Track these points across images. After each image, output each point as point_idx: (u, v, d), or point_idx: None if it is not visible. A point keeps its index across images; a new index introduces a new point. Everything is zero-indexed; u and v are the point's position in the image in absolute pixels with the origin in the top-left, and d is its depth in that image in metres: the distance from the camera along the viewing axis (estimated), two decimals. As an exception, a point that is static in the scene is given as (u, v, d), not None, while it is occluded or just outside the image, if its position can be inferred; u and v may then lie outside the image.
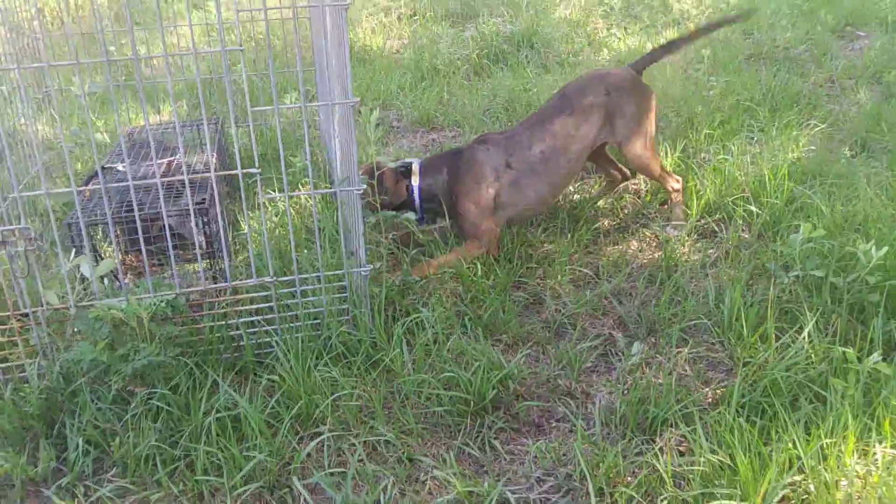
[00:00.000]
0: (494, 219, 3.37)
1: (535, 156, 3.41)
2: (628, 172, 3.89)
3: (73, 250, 3.01)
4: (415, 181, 3.44)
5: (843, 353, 2.39)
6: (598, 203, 3.86)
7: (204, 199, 3.14)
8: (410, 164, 3.48)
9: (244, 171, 2.59)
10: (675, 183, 3.64)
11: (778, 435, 2.21)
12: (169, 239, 2.63)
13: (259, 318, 2.78)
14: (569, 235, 3.52)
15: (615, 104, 3.45)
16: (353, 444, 2.37)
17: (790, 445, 2.13)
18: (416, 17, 7.56)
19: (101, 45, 2.64)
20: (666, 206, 3.74)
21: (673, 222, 3.60)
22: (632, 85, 3.52)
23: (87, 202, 3.30)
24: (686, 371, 2.64)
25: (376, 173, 3.34)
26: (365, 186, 2.77)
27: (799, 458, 2.10)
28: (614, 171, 3.88)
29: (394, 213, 3.33)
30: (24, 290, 2.56)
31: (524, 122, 3.59)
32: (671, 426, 2.34)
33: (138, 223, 2.59)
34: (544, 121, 3.46)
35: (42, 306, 2.58)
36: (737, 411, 2.31)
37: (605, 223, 3.66)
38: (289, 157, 4.31)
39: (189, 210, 3.11)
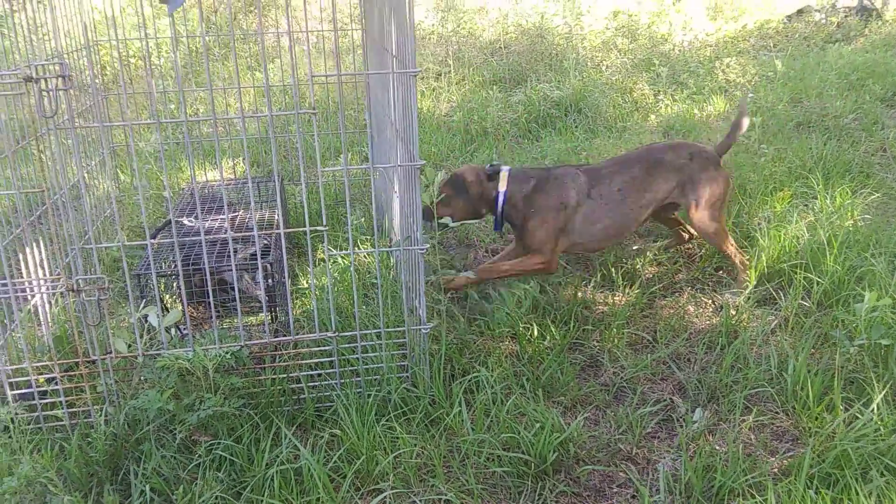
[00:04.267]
0: (560, 241, 3.51)
1: (613, 192, 3.55)
2: (693, 234, 3.98)
3: (142, 301, 3.08)
4: (502, 187, 3.51)
5: (916, 425, 2.34)
6: (658, 257, 3.90)
7: (265, 254, 3.21)
8: (500, 168, 3.56)
9: (312, 228, 2.66)
10: (742, 258, 3.72)
11: (850, 507, 2.16)
12: (237, 292, 2.68)
13: (319, 372, 2.81)
14: (624, 298, 3.52)
15: (692, 170, 3.60)
16: (415, 503, 2.36)
17: (864, 519, 2.08)
18: (464, 82, 7.72)
19: (181, 104, 2.74)
20: (725, 272, 3.75)
21: (732, 289, 3.63)
22: (712, 161, 3.65)
23: (146, 254, 3.39)
24: (750, 439, 2.60)
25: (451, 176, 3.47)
26: (427, 246, 2.81)
27: (874, 532, 2.05)
28: (681, 230, 4.01)
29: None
30: (95, 337, 2.62)
31: (606, 162, 3.75)
32: (739, 496, 2.30)
33: (207, 276, 2.65)
34: (627, 163, 3.64)
35: (110, 354, 2.64)
36: (807, 482, 2.27)
37: (661, 287, 3.65)
38: (346, 216, 4.40)
39: (249, 265, 3.19)
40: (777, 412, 2.74)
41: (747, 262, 3.70)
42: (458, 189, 3.54)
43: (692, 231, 3.94)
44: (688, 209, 3.62)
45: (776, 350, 3.00)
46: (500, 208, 3.53)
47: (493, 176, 3.53)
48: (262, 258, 3.15)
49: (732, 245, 3.69)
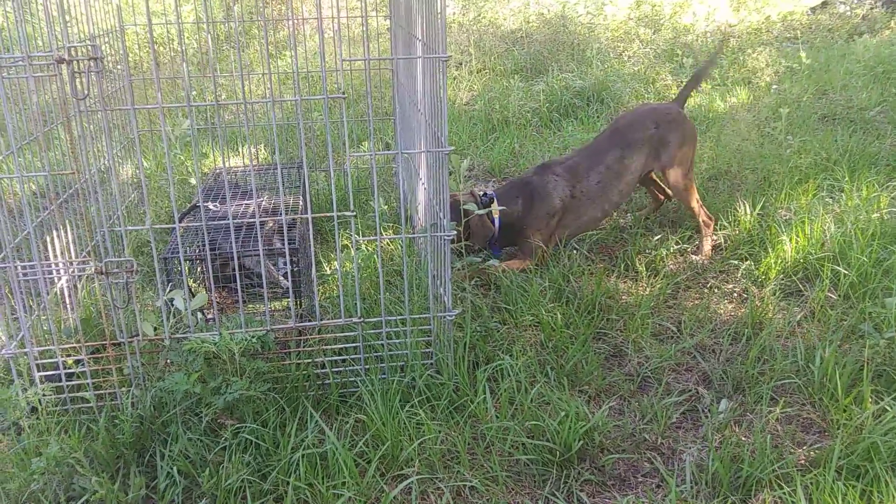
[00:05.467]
0: (550, 241, 3.79)
1: (593, 186, 3.81)
2: (671, 193, 4.16)
3: (168, 284, 3.10)
4: (495, 213, 3.69)
5: (947, 419, 2.32)
6: (671, 249, 3.91)
7: (291, 239, 3.22)
8: (492, 195, 3.73)
9: (339, 213, 2.65)
10: (707, 219, 3.95)
11: (880, 499, 2.14)
12: (265, 277, 2.69)
13: (344, 357, 2.82)
14: (648, 289, 3.50)
15: (661, 135, 3.85)
16: (440, 489, 2.36)
17: (894, 512, 2.06)
18: (486, 71, 7.69)
19: (214, 87, 2.74)
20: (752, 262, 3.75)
21: (701, 252, 3.88)
22: (677, 118, 3.91)
23: (173, 238, 3.41)
24: (777, 431, 2.58)
25: (464, 219, 3.46)
26: (454, 232, 2.81)
27: (904, 525, 2.03)
28: (658, 192, 4.31)
29: (480, 259, 3.41)
30: (122, 320, 2.64)
31: (581, 151, 3.99)
32: (766, 486, 2.28)
33: (235, 261, 2.66)
34: (601, 153, 3.86)
35: (137, 336, 2.65)
36: (836, 472, 2.25)
37: (685, 278, 3.63)
38: (368, 203, 4.40)
39: (275, 250, 3.19)
40: (804, 404, 2.71)
41: (710, 222, 3.91)
42: (466, 228, 3.65)
43: (668, 191, 4.18)
44: (663, 171, 3.92)
45: (803, 342, 2.98)
46: (497, 233, 3.74)
47: (489, 203, 3.71)
48: (286, 237, 3.16)
49: (697, 201, 3.92)
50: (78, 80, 2.33)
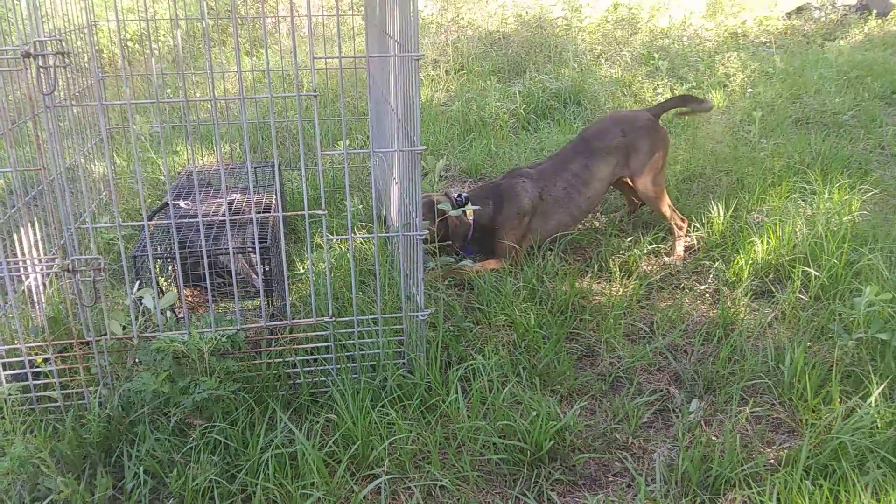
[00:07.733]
0: (523, 242, 3.81)
1: (560, 190, 3.86)
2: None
3: (136, 283, 3.06)
4: (470, 215, 3.72)
5: (912, 419, 2.34)
6: (644, 250, 3.92)
7: (262, 238, 3.19)
8: (466, 197, 3.76)
9: (310, 212, 2.63)
10: (680, 221, 3.97)
11: (847, 498, 2.16)
12: (235, 276, 2.66)
13: (315, 357, 2.80)
14: (621, 290, 3.52)
15: (629, 143, 3.89)
16: (410, 489, 2.35)
17: (860, 511, 2.08)
18: (463, 72, 7.69)
19: (182, 85, 2.71)
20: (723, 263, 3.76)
21: (674, 254, 3.90)
22: (647, 126, 3.93)
23: (142, 236, 3.37)
24: (747, 430, 2.59)
25: (437, 219, 3.46)
26: (427, 232, 2.80)
27: (870, 524, 2.05)
28: (633, 196, 4.28)
29: (453, 259, 3.41)
30: (90, 318, 2.60)
31: (550, 158, 4.05)
32: (735, 486, 2.29)
33: (203, 259, 2.63)
34: (567, 160, 3.92)
35: (105, 335, 2.61)
36: (803, 473, 2.27)
37: (658, 279, 3.64)
38: (343, 202, 4.38)
39: (244, 248, 3.17)
40: (774, 404, 2.73)
41: (683, 225, 3.94)
42: (441, 226, 3.70)
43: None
44: (631, 178, 3.94)
45: (773, 342, 3.00)
46: (471, 234, 3.81)
47: (464, 204, 3.75)
48: (258, 238, 3.13)
49: (669, 206, 3.94)
50: (45, 75, 2.29)
